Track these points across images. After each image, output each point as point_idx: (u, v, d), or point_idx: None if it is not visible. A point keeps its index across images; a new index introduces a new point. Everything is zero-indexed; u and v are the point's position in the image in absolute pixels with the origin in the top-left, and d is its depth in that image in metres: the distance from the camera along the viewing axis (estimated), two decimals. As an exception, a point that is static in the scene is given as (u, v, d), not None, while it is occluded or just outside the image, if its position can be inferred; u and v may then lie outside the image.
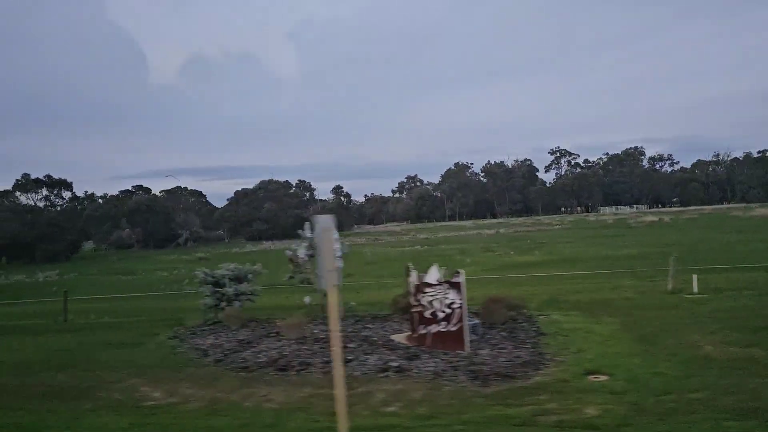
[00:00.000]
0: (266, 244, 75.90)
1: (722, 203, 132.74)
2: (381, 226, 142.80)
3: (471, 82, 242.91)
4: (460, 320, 9.58)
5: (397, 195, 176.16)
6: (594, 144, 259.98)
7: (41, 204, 65.23)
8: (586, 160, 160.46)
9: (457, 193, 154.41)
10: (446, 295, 9.74)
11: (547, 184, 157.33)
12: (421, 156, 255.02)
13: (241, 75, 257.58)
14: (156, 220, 77.16)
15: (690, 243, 31.79)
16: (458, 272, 9.80)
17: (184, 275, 32.51)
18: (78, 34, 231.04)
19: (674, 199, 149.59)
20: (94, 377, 9.80)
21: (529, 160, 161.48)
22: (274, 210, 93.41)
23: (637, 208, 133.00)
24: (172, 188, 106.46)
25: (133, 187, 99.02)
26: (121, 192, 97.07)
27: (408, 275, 10.67)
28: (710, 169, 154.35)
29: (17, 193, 63.48)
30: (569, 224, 76.73)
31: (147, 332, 13.77)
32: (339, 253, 13.14)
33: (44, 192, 64.33)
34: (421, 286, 10.15)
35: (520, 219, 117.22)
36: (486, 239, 53.91)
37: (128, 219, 79.67)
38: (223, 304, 13.15)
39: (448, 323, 9.70)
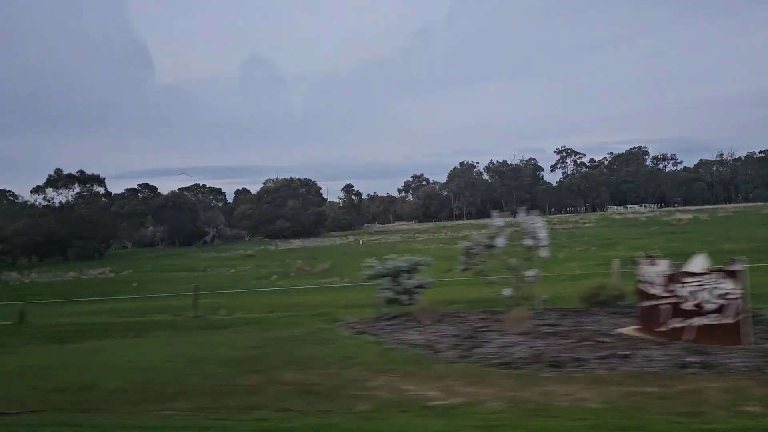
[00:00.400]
0: (294, 242, 75.03)
1: (726, 203, 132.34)
2: (390, 225, 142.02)
3: (471, 82, 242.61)
4: (739, 312, 8.79)
5: (402, 194, 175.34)
6: (593, 144, 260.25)
7: (70, 200, 64.00)
8: (592, 159, 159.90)
9: (465, 192, 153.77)
10: (718, 285, 8.95)
11: (552, 184, 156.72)
12: (420, 156, 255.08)
13: (242, 75, 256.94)
14: (182, 217, 76.05)
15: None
16: (735, 260, 9.01)
17: (254, 272, 31.71)
18: (74, 31, 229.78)
19: (677, 199, 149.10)
20: (329, 375, 8.97)
21: (534, 159, 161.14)
22: (297, 208, 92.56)
23: (647, 207, 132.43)
24: (191, 186, 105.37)
25: (138, 185, 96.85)
26: (127, 190, 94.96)
27: (651, 264, 9.87)
28: (714, 168, 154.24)
29: (49, 189, 62.44)
30: (600, 222, 76.08)
31: (312, 328, 12.97)
32: (545, 242, 12.38)
33: (77, 188, 63.18)
34: (678, 276, 9.36)
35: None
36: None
37: (154, 216, 78.61)
38: (404, 297, 12.35)
39: (721, 315, 8.91)
